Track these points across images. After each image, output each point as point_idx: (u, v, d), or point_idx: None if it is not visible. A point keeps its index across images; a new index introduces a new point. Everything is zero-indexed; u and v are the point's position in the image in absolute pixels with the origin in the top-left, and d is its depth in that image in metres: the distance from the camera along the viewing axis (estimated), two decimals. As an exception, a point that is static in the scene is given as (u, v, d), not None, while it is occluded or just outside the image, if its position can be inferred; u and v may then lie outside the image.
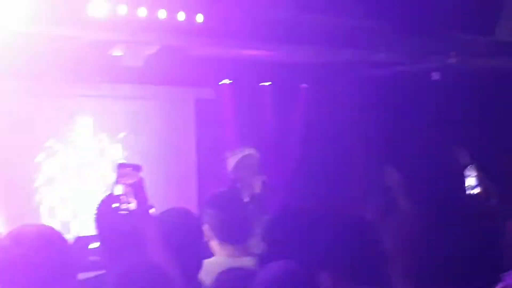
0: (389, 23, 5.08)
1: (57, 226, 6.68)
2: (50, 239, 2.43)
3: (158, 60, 6.66)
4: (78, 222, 6.94)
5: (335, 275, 2.67)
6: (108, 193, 3.11)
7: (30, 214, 6.54)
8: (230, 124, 7.95)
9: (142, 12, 4.69)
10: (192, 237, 2.92)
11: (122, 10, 4.71)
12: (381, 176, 4.31)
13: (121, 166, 2.66)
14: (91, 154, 7.19)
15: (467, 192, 4.02)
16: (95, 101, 7.17)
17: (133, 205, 2.63)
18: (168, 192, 7.31)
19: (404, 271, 2.17)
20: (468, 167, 4.10)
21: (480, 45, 5.49)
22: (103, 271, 3.01)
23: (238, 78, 7.76)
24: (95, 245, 3.99)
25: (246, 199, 4.87)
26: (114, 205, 2.63)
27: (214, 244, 3.30)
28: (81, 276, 2.70)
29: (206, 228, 3.22)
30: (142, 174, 2.67)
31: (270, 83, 8.12)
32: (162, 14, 4.69)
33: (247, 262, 3.09)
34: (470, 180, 4.09)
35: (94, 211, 3.11)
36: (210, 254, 3.30)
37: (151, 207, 2.71)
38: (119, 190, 2.65)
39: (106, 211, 2.98)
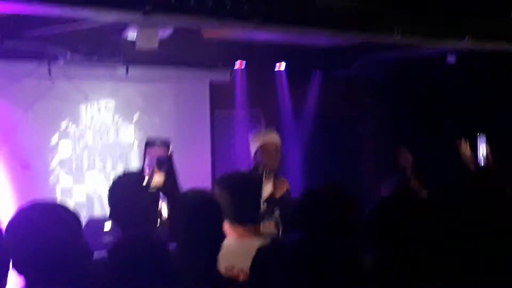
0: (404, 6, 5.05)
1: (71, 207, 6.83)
2: (61, 217, 2.44)
3: (172, 42, 6.70)
4: (92, 204, 7.01)
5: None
6: (133, 171, 3.08)
7: (45, 195, 6.60)
8: (245, 107, 7.96)
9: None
10: (210, 218, 2.92)
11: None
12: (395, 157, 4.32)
13: (149, 143, 2.62)
14: (106, 135, 7.24)
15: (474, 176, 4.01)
16: (110, 84, 7.21)
17: (161, 181, 2.59)
18: (182, 175, 7.32)
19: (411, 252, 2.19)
20: (480, 150, 4.09)
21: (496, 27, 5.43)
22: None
23: (252, 61, 7.75)
24: (108, 227, 4.00)
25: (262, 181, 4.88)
26: (143, 183, 2.59)
27: (225, 225, 3.31)
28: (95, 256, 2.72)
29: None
30: (170, 149, 2.62)
31: (284, 66, 8.09)
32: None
33: (258, 243, 3.10)
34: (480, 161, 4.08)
35: (115, 189, 3.13)
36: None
37: (178, 183, 2.67)
38: (147, 166, 2.62)
39: (129, 190, 2.99)
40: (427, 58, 7.28)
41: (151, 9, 4.27)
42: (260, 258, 2.53)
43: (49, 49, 6.45)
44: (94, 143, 7.15)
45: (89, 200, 7.03)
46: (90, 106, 7.15)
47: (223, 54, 7.56)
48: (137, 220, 3.06)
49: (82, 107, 7.09)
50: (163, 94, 7.55)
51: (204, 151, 7.75)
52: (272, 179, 4.87)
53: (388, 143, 7.89)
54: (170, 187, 2.65)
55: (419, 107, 7.88)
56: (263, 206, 4.52)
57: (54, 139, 6.94)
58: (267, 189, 4.78)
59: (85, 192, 7.04)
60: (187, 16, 4.55)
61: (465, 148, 4.32)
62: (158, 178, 2.62)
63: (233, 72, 7.79)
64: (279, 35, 5.98)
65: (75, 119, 7.05)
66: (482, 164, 4.01)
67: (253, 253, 2.68)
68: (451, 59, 7.14)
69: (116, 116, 7.29)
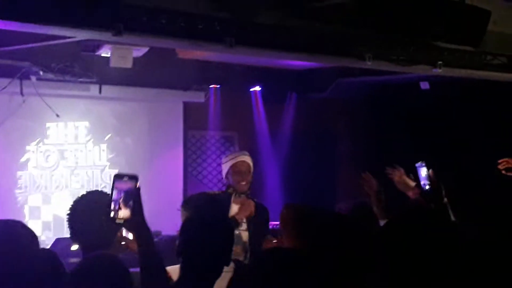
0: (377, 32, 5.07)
1: (39, 227, 6.70)
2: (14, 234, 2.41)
3: (147, 62, 6.67)
4: (60, 223, 6.91)
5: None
6: (99, 195, 3.09)
7: (13, 214, 6.50)
8: (218, 128, 7.93)
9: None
10: None
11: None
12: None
13: (117, 176, 2.68)
14: (76, 155, 7.15)
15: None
16: (82, 102, 7.15)
17: (127, 214, 2.64)
18: (154, 196, 7.29)
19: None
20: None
21: (466, 56, 5.49)
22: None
23: (226, 82, 7.74)
24: (75, 247, 3.93)
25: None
26: (110, 214, 2.63)
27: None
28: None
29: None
30: (138, 184, 2.68)
31: (259, 88, 8.10)
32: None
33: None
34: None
35: (78, 210, 3.10)
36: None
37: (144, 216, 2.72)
38: (114, 199, 2.66)
39: (92, 214, 2.97)
40: (402, 82, 7.33)
41: (123, 28, 4.23)
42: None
43: (21, 65, 6.39)
44: (64, 163, 7.06)
45: (57, 220, 6.92)
46: (62, 125, 7.06)
47: (198, 75, 7.54)
48: (98, 242, 3.03)
49: (53, 125, 7.01)
50: (137, 113, 7.50)
51: (176, 171, 7.70)
52: (240, 201, 4.81)
53: (362, 165, 7.94)
54: (135, 222, 2.67)
55: (393, 130, 7.93)
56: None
57: (24, 157, 6.84)
58: (234, 210, 4.73)
59: (52, 212, 6.93)
60: (159, 36, 4.51)
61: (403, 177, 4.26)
62: (124, 213, 2.64)
63: (207, 93, 7.77)
64: (253, 57, 5.98)
65: (45, 138, 6.95)
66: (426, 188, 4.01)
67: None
68: (424, 85, 7.19)
69: (88, 136, 7.21)
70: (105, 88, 7.00)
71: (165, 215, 5.71)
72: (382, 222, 3.45)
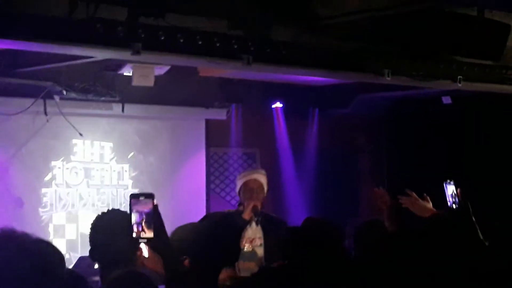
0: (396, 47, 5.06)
1: (63, 245, 6.74)
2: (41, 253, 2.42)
3: (169, 80, 6.73)
4: (85, 242, 6.96)
5: None
6: (121, 215, 3.13)
7: (37, 232, 6.55)
8: (240, 145, 7.95)
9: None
10: None
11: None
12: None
13: (133, 196, 2.70)
14: (100, 174, 7.21)
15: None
16: (105, 121, 7.21)
17: (151, 235, 2.66)
18: (177, 213, 7.30)
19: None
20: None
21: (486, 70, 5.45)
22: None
23: (248, 99, 7.77)
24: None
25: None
26: (133, 235, 2.65)
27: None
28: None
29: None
30: (155, 201, 2.70)
31: (281, 104, 8.11)
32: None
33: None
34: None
35: (100, 230, 3.12)
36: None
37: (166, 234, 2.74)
38: (134, 219, 2.69)
39: (114, 233, 2.99)
40: (424, 97, 7.29)
41: (140, 47, 4.28)
42: None
43: (44, 85, 6.47)
44: (89, 182, 7.12)
45: (83, 238, 6.98)
46: (88, 143, 7.12)
47: (219, 93, 7.59)
48: (118, 260, 3.04)
49: (80, 142, 7.07)
50: (159, 131, 7.55)
51: (199, 189, 7.72)
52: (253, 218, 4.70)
53: (384, 180, 7.91)
54: (159, 241, 2.70)
55: (415, 145, 7.89)
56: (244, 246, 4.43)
57: (48, 176, 6.91)
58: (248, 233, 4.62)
59: (79, 231, 6.98)
60: (177, 54, 4.56)
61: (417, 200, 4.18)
62: (148, 234, 2.68)
63: (229, 110, 7.80)
64: (274, 74, 6.01)
65: (69, 157, 7.02)
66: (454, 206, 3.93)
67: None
68: (446, 99, 7.15)
69: (112, 155, 7.27)
70: (127, 106, 7.06)
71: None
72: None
